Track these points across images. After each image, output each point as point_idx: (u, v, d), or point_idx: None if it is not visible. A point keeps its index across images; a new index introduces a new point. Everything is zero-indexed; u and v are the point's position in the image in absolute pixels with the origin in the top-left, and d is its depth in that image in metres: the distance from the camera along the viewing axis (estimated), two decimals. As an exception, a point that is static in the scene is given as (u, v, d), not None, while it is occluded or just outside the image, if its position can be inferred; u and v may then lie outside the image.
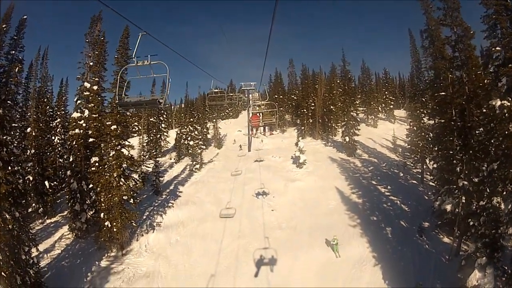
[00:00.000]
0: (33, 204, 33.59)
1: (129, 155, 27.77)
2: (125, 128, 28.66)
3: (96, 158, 27.25)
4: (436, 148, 27.97)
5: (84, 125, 29.13)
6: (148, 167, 42.97)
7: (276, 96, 69.08)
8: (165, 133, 63.15)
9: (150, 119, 60.89)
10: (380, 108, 74.28)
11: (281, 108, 65.36)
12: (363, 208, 31.70)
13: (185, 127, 54.14)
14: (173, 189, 41.29)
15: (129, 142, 28.77)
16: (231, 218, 30.00)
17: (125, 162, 27.28)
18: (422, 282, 20.32)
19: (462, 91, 23.23)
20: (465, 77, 23.21)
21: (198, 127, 55.49)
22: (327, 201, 33.99)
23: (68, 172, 29.72)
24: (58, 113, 42.50)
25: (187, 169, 49.06)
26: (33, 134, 34.77)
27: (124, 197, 26.75)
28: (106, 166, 26.91)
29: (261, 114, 47.53)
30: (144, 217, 32.75)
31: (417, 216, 28.78)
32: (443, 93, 24.80)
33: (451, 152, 24.29)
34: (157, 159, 48.06)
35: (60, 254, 27.06)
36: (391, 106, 73.85)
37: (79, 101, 30.32)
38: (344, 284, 21.46)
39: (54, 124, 41.39)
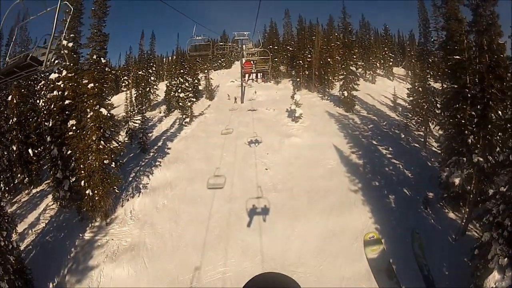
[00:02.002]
0: (19, 175, 31.81)
1: (109, 114, 25.42)
2: (104, 85, 26.27)
3: (74, 121, 24.94)
4: (443, 114, 26.32)
5: (62, 86, 26.61)
6: (136, 123, 40.24)
7: (270, 46, 65.41)
8: (154, 86, 60.41)
9: (139, 73, 58.37)
10: (378, 64, 71.52)
11: (276, 59, 62.49)
12: (364, 170, 29.92)
13: (175, 79, 50.67)
14: (161, 145, 38.89)
15: (109, 100, 26.35)
16: (221, 176, 28.04)
17: (104, 123, 24.91)
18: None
19: (482, 58, 21.15)
20: (486, 44, 21.00)
21: (189, 79, 52.47)
22: (326, 161, 32.06)
23: (48, 138, 27.45)
24: (43, 75, 39.68)
25: (176, 123, 46.41)
26: (15, 101, 32.52)
27: (105, 161, 24.61)
28: (84, 129, 24.61)
29: (254, 61, 45.40)
30: (130, 178, 30.69)
31: (420, 184, 27.00)
32: (458, 57, 22.83)
33: (462, 121, 22.42)
34: (146, 113, 46.07)
35: (44, 228, 25.42)
36: (390, 63, 71.15)
37: (56, 61, 27.37)
38: (345, 261, 19.87)
39: (39, 87, 39.00)
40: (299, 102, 42.90)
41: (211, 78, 60.40)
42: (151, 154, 36.48)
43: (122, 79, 65.39)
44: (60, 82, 26.44)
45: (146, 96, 56.70)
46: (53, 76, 26.94)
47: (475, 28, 21.48)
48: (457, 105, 22.97)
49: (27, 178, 31.78)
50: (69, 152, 25.43)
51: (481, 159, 20.34)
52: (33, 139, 32.54)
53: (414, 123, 39.25)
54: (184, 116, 45.32)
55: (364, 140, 36.41)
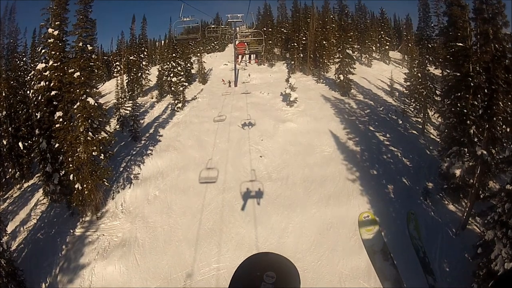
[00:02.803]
0: (10, 170, 31.16)
1: (96, 104, 24.38)
2: (91, 73, 25.05)
3: (60, 113, 23.97)
4: (444, 102, 25.54)
5: (48, 76, 25.52)
6: (127, 110, 39.21)
7: (264, 29, 63.99)
8: (146, 71, 58.88)
9: (130, 58, 57.00)
10: (374, 48, 70.36)
11: (270, 41, 61.57)
12: (362, 158, 29.15)
13: (167, 63, 49.42)
14: (153, 132, 37.78)
15: (97, 88, 25.61)
16: (214, 169, 27.37)
17: (92, 113, 23.88)
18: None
19: (487, 47, 20.51)
20: (491, 33, 20.34)
21: (181, 63, 50.64)
22: (322, 147, 31.25)
23: (36, 131, 26.58)
24: (32, 65, 39.25)
25: (169, 108, 45.35)
26: (4, 94, 31.68)
27: (93, 153, 23.70)
28: (71, 121, 23.81)
29: (247, 43, 44.62)
30: (121, 169, 29.82)
31: (419, 173, 26.50)
32: (460, 44, 22.16)
33: (464, 110, 21.88)
34: (138, 99, 45.37)
35: (35, 224, 24.80)
36: (387, 47, 70.13)
37: (43, 50, 26.69)
38: (343, 256, 19.31)
39: (28, 77, 38.06)
40: (295, 86, 41.73)
41: (204, 62, 59.02)
42: (143, 142, 35.46)
43: (114, 64, 63.99)
44: (47, 72, 25.32)
45: (138, 82, 55.44)
46: (40, 66, 25.83)
47: (480, 16, 20.71)
48: (459, 94, 22.33)
49: (18, 173, 31.07)
50: (56, 145, 24.40)
51: (485, 152, 19.74)
52: (23, 131, 31.76)
53: (412, 109, 38.39)
54: (176, 101, 44.28)
55: (361, 126, 35.48)
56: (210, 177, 25.25)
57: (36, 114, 26.27)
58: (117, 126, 38.30)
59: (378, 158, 28.84)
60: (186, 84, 48.67)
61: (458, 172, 21.97)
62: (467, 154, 21.61)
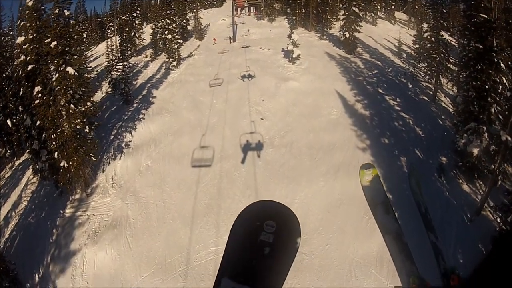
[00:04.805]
0: (0, 149, 29.81)
1: (76, 73, 22.57)
2: (70, 40, 23.47)
3: (39, 88, 22.23)
4: (461, 72, 24.65)
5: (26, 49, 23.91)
6: (119, 71, 36.75)
7: (265, -17, 61.04)
8: (140, 30, 56.30)
9: (122, 18, 54.06)
10: (379, 6, 66.78)
11: (270, -4, 58.63)
12: (371, 124, 26.98)
13: (162, 20, 46.50)
14: (146, 94, 35.52)
15: (77, 56, 24.17)
16: (210, 132, 25.87)
17: (73, 83, 22.21)
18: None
19: None
20: None
21: (177, 19, 48.25)
22: (328, 109, 29.06)
23: (20, 108, 25.27)
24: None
25: (163, 67, 42.97)
26: None
27: (77, 126, 22.08)
28: (51, 95, 22.14)
29: None
30: (112, 137, 27.97)
31: (433, 145, 24.57)
32: (484, 16, 20.68)
33: (486, 86, 20.38)
34: (132, 59, 44.00)
35: (26, 206, 23.71)
36: (393, 7, 66.66)
37: (22, 23, 24.59)
38: (354, 239, 17.82)
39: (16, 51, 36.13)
40: (297, 43, 39.15)
41: (200, 17, 56.41)
42: (135, 105, 33.40)
43: (108, 26, 61.35)
44: (26, 45, 23.48)
45: (131, 41, 53.20)
46: (20, 39, 24.08)
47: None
48: (480, 67, 20.75)
49: (8, 151, 29.95)
50: (38, 122, 22.78)
51: (509, 138, 18.33)
52: (11, 107, 29.86)
53: (422, 74, 36.15)
54: (171, 59, 42.14)
55: (369, 87, 33.06)
56: (204, 158, 23.53)
57: (19, 90, 24.79)
58: (109, 89, 36.53)
59: (389, 125, 26.77)
60: (181, 41, 46.57)
61: (475, 151, 20.56)
62: (486, 134, 20.33)
